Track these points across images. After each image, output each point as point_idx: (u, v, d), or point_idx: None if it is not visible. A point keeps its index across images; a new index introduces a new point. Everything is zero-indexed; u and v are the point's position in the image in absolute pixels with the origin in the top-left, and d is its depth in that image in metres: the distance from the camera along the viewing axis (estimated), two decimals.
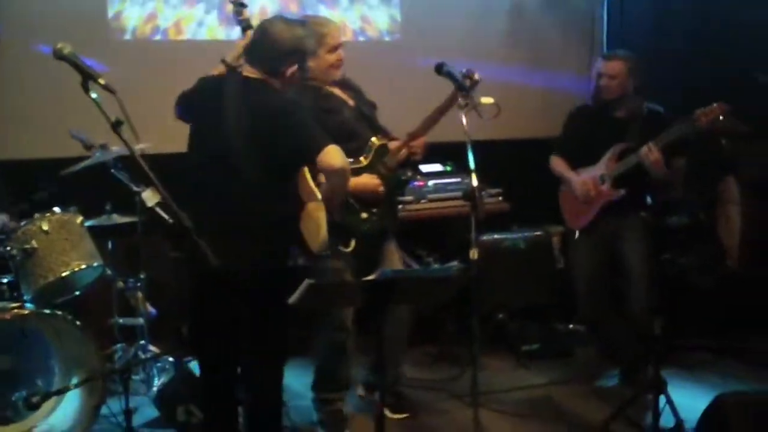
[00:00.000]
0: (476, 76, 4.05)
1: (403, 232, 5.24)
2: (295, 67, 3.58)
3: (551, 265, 5.86)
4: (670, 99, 5.07)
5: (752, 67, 5.49)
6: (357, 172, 4.16)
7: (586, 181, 4.89)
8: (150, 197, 3.39)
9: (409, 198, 5.63)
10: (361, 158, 4.23)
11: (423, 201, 5.70)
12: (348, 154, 4.11)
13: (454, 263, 4.54)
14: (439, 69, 3.99)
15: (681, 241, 5.22)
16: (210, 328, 3.65)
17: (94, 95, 2.78)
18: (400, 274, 3.12)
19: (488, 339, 5.50)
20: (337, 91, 4.31)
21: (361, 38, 6.23)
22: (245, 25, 3.95)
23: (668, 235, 5.10)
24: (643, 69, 4.89)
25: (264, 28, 3.62)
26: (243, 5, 4.01)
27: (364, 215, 4.19)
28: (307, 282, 2.90)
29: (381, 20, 6.34)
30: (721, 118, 4.43)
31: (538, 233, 5.88)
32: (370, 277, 3.00)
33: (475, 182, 3.73)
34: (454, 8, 6.44)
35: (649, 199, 4.92)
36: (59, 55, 2.86)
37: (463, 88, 3.88)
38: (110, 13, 5.64)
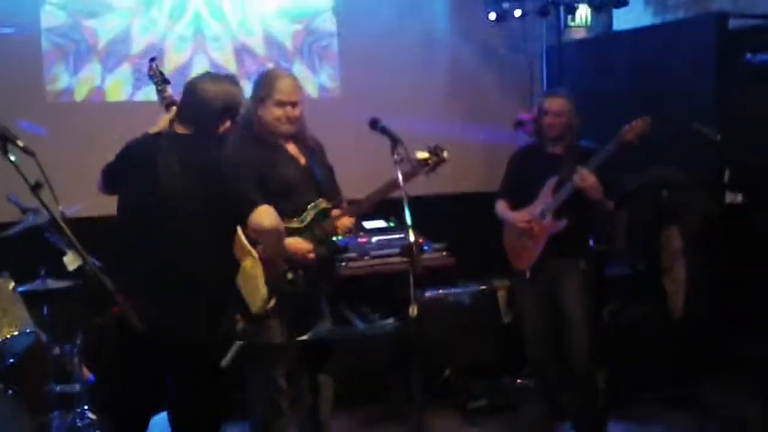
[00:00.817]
0: (444, 154, 4.11)
1: (347, 289, 5.22)
2: (227, 124, 3.55)
3: (497, 320, 5.83)
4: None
5: (690, 116, 5.58)
6: (291, 232, 4.10)
7: (525, 215, 4.92)
8: (71, 261, 3.30)
9: (352, 254, 5.59)
10: (297, 219, 4.16)
11: (366, 257, 5.65)
12: (286, 213, 4.11)
13: (389, 321, 4.50)
14: (374, 125, 3.97)
15: (623, 291, 5.23)
16: (135, 388, 3.54)
17: (12, 157, 2.72)
18: (334, 334, 3.05)
19: (435, 396, 5.41)
20: (290, 146, 4.26)
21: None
22: (168, 102, 3.91)
23: (609, 286, 5.11)
24: (579, 107, 4.96)
25: (192, 87, 3.60)
26: (166, 82, 3.98)
27: (290, 276, 4.08)
28: (237, 344, 2.84)
29: (321, 77, 6.36)
30: (646, 131, 4.56)
31: (483, 288, 5.86)
32: (304, 337, 2.94)
33: (412, 238, 3.70)
34: (393, 64, 6.50)
35: (591, 242, 4.93)
36: None
37: (398, 142, 3.85)
38: (46, 76, 5.60)
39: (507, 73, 6.85)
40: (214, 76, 3.67)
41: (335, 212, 4.24)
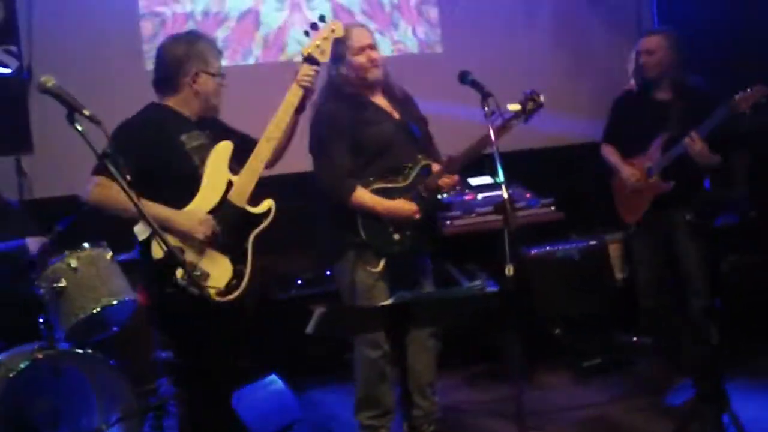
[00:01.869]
0: (541, 98, 3.92)
1: (453, 247, 5.10)
2: (190, 77, 3.49)
3: (608, 275, 5.62)
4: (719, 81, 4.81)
5: None
6: (395, 191, 4.04)
7: (635, 172, 4.74)
8: (141, 231, 3.29)
9: (457, 212, 5.45)
10: (400, 178, 4.08)
11: (472, 215, 5.50)
12: (384, 171, 4.03)
13: (478, 282, 4.35)
14: (463, 78, 3.82)
15: (739, 241, 4.93)
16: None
17: (80, 127, 2.69)
18: (418, 297, 2.93)
19: (546, 355, 5.28)
20: (381, 101, 4.16)
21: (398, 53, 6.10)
22: None
23: (725, 236, 4.81)
24: (686, 44, 4.68)
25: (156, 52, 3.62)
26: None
27: (396, 237, 4.03)
28: (319, 310, 2.76)
29: (420, 33, 6.19)
30: (763, 101, 4.23)
31: (593, 243, 5.63)
32: (386, 303, 2.84)
33: (505, 195, 3.53)
34: (494, 13, 6.27)
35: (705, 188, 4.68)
36: (43, 89, 2.79)
37: (489, 95, 3.69)
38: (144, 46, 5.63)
39: (613, 17, 6.50)
40: (173, 37, 3.67)
41: (435, 168, 4.12)
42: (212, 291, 3.23)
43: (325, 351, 5.22)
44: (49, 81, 2.79)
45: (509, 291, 3.49)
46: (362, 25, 4.28)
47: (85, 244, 4.21)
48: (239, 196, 3.43)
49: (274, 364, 4.89)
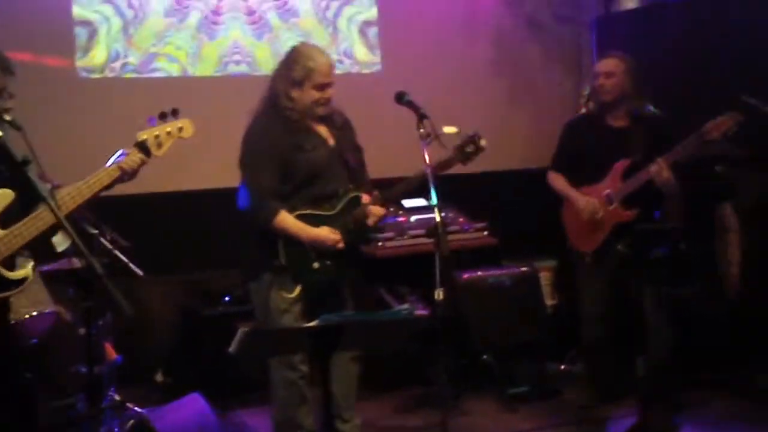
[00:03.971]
0: (482, 143, 3.91)
1: (384, 270, 5.07)
2: None
3: (539, 302, 5.61)
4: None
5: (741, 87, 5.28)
6: (321, 219, 3.98)
7: (592, 201, 4.66)
8: (60, 241, 3.18)
9: (390, 234, 5.43)
10: (328, 205, 4.03)
11: (405, 237, 5.48)
12: (314, 198, 3.99)
13: (406, 306, 4.33)
14: (399, 98, 3.81)
15: (677, 272, 4.97)
16: None
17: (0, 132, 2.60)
18: (345, 320, 2.89)
19: (473, 381, 5.24)
20: (319, 127, 4.09)
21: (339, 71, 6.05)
22: None
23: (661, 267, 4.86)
24: (641, 71, 4.70)
25: None
26: None
27: (316, 265, 3.96)
28: (242, 330, 2.69)
29: (360, 53, 6.17)
30: (734, 129, 4.27)
31: (524, 269, 5.60)
32: (311, 324, 2.78)
33: (438, 218, 3.51)
34: (434, 36, 6.29)
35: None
36: None
37: (424, 117, 3.67)
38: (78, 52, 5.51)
39: (553, 45, 6.58)
40: None
41: (365, 199, 4.08)
42: None
43: (250, 371, 5.12)
44: None
45: (439, 315, 3.48)
46: (329, 56, 4.12)
47: None
48: None
49: (198, 381, 4.83)
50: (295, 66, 3.97)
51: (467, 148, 3.93)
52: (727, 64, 5.45)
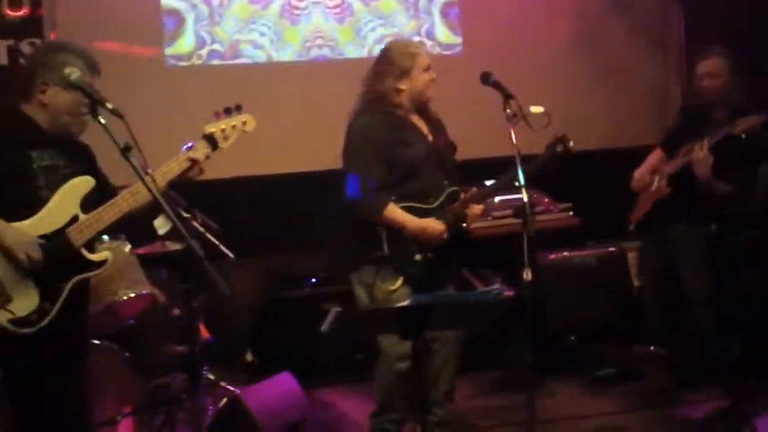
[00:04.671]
0: (571, 144, 3.94)
1: (467, 251, 5.08)
2: (38, 87, 3.07)
3: (625, 283, 5.54)
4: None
5: None
6: (424, 212, 4.02)
7: (644, 172, 4.78)
8: (161, 225, 3.28)
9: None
10: (430, 199, 4.06)
11: (489, 218, 5.48)
12: (415, 191, 4.04)
13: (495, 287, 4.33)
14: (485, 79, 3.81)
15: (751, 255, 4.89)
16: None
17: (102, 120, 2.70)
18: (435, 300, 2.92)
19: (558, 363, 5.23)
20: (417, 121, 4.15)
21: None
22: None
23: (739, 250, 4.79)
24: (741, 63, 4.63)
25: None
26: None
27: (418, 257, 4.00)
28: (335, 310, 2.75)
29: (441, 35, 6.17)
30: (757, 130, 4.27)
31: (611, 249, 5.55)
32: (402, 304, 2.83)
33: (525, 198, 3.52)
34: (516, 15, 6.24)
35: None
36: (66, 82, 2.79)
37: (511, 97, 3.67)
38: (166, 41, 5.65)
39: (639, 19, 6.46)
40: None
41: (464, 195, 4.11)
42: (6, 316, 2.91)
43: (336, 351, 5.21)
44: (73, 73, 2.79)
45: (526, 296, 3.49)
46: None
47: (104, 236, 4.18)
48: (78, 235, 3.04)
49: (285, 361, 4.90)
50: (398, 58, 4.05)
51: (557, 148, 3.94)
52: None
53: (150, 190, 2.74)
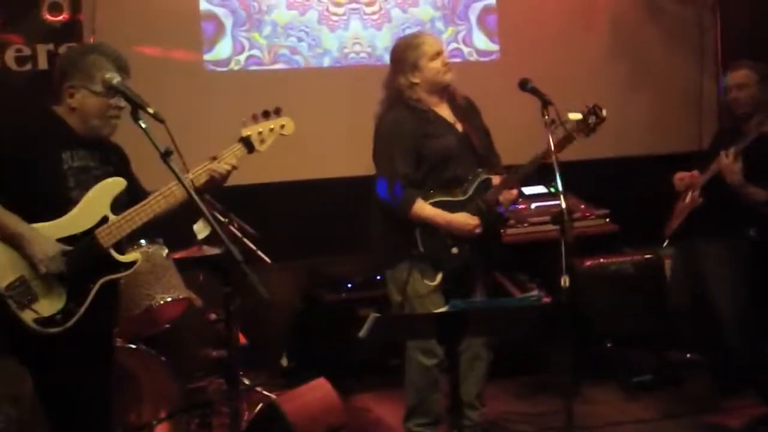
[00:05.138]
0: (603, 113, 3.88)
1: (504, 257, 5.07)
2: (67, 90, 3.09)
3: (662, 290, 5.49)
4: None
5: None
6: (454, 205, 4.02)
7: (684, 178, 4.72)
8: (201, 229, 3.30)
9: (510, 221, 5.41)
10: (459, 191, 4.07)
11: (525, 225, 5.46)
12: (446, 183, 4.05)
13: (534, 293, 4.31)
14: (523, 85, 3.80)
15: None
16: None
17: (143, 124, 2.72)
18: (473, 306, 2.91)
19: (595, 369, 5.19)
20: (445, 111, 4.15)
21: (457, 59, 6.06)
22: None
23: None
24: None
25: None
26: None
27: (455, 250, 4.01)
28: (373, 315, 2.75)
29: (479, 41, 6.16)
30: None
31: (648, 256, 5.52)
32: (440, 310, 2.83)
33: (563, 205, 3.50)
34: (552, 23, 6.21)
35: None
36: (108, 86, 2.82)
37: (549, 103, 3.66)
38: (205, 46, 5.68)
39: (675, 26, 6.42)
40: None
41: (496, 180, 4.10)
42: (31, 315, 2.90)
43: (372, 356, 5.20)
44: (114, 78, 2.82)
45: (564, 302, 3.46)
46: (429, 33, 4.29)
47: (142, 240, 4.25)
48: (108, 236, 3.02)
49: (320, 366, 4.90)
50: (405, 54, 4.08)
51: (590, 120, 3.89)
52: None
53: (189, 192, 2.74)
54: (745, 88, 4.53)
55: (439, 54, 4.08)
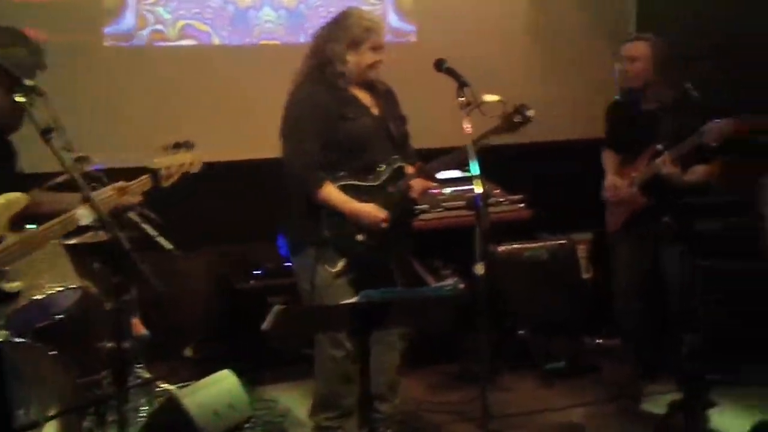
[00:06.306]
0: (530, 113, 3.79)
1: (417, 243, 4.94)
2: None
3: (577, 276, 5.47)
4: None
5: None
6: (365, 190, 3.86)
7: (617, 184, 4.65)
8: (84, 215, 3.06)
9: (424, 206, 5.27)
10: (372, 176, 3.90)
11: (439, 209, 5.33)
12: (359, 168, 3.86)
13: (450, 282, 4.21)
14: (439, 66, 3.67)
15: (719, 246, 4.81)
16: None
17: (21, 99, 2.47)
18: (386, 297, 2.74)
19: (511, 356, 5.14)
20: (362, 94, 3.97)
21: None
22: None
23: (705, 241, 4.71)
24: (675, 54, 4.55)
25: None
26: None
27: (360, 237, 3.85)
28: (276, 307, 2.56)
29: (394, 21, 5.98)
30: (730, 135, 4.20)
31: (562, 242, 5.47)
32: (350, 301, 2.65)
33: (479, 190, 3.37)
34: (471, 5, 6.06)
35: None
36: None
37: (465, 84, 3.52)
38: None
39: (595, 11, 6.35)
40: None
41: (410, 170, 3.95)
42: None
43: (283, 345, 5.01)
44: None
45: (480, 291, 3.35)
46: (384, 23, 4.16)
47: (29, 226, 3.95)
48: None
49: (229, 356, 4.74)
50: (353, 27, 3.87)
51: (515, 118, 3.78)
52: None
53: (72, 176, 2.51)
54: (638, 61, 4.48)
55: (380, 48, 3.90)
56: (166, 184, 3.23)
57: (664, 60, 4.49)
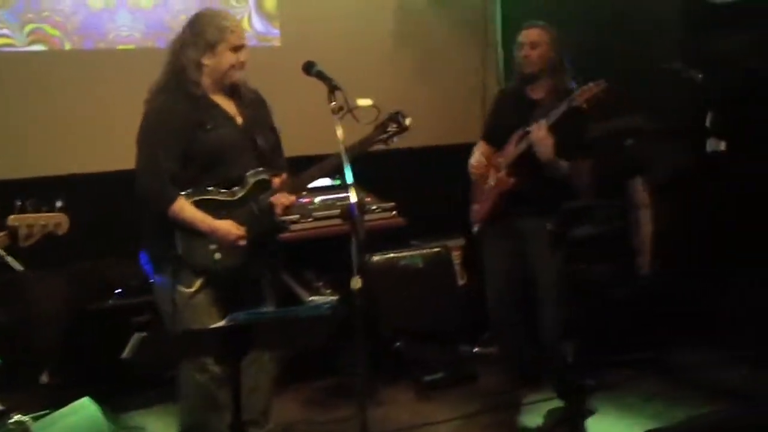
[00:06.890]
0: (406, 122, 3.68)
1: (289, 255, 4.77)
2: None
3: (453, 283, 5.38)
4: None
5: (658, 57, 5.15)
6: (224, 205, 3.64)
7: (481, 161, 4.55)
8: None
9: (294, 216, 5.08)
10: (233, 190, 3.68)
11: (309, 219, 5.15)
12: (218, 182, 3.65)
13: (326, 299, 4.05)
14: (308, 69, 3.50)
15: (591, 251, 4.81)
16: None
17: None
18: (256, 318, 2.56)
19: (389, 369, 5.01)
20: (224, 102, 3.74)
21: None
22: None
23: (578, 246, 4.70)
24: (565, 46, 4.52)
25: None
26: None
27: (218, 255, 3.62)
28: (138, 335, 2.34)
29: (258, 25, 5.78)
30: (601, 96, 4.14)
31: (437, 249, 5.37)
32: (217, 325, 2.46)
33: (355, 199, 3.22)
34: (336, 8, 5.92)
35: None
36: None
37: (336, 88, 3.37)
38: None
39: (459, 16, 6.30)
40: None
41: (275, 183, 3.75)
42: None
43: (145, 368, 4.74)
44: None
45: (357, 305, 3.21)
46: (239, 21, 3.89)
47: None
48: None
49: (89, 381, 4.49)
50: (207, 29, 3.65)
51: (389, 128, 3.65)
52: (638, 27, 5.35)
53: None
54: (538, 47, 4.45)
55: (240, 48, 3.68)
56: (24, 244, 2.98)
57: (560, 50, 4.47)
